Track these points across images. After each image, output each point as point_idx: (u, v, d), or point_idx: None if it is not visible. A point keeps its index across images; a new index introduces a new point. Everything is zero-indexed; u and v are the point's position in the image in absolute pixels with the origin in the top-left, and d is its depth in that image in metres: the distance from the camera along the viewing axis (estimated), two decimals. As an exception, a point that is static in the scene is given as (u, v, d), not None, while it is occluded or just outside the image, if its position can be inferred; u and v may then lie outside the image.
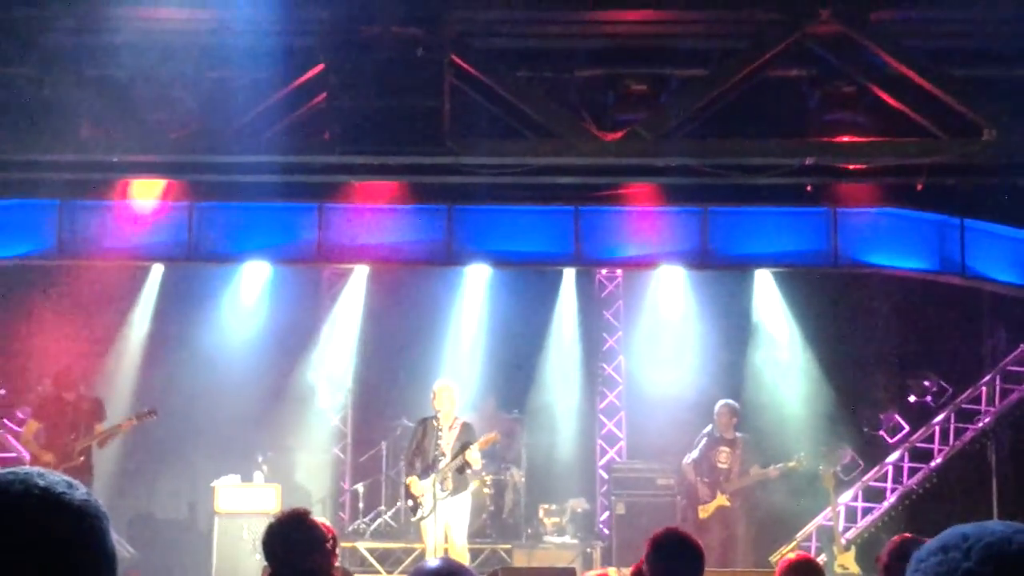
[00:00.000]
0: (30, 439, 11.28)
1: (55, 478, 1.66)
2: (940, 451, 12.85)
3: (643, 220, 12.06)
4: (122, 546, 13.26)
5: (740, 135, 10.19)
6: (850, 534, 12.52)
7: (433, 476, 10.80)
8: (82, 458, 11.17)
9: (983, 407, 12.78)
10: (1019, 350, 12.80)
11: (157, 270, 13.07)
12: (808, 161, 10.11)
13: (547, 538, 13.14)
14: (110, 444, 11.90)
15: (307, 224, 12.12)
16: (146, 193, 11.73)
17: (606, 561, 12.41)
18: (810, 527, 12.72)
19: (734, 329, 13.76)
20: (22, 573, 1.58)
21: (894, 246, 11.92)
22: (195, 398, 13.51)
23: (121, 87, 9.81)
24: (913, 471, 12.87)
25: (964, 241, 11.57)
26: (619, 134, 9.89)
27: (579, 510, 13.38)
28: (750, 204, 11.83)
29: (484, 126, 10.25)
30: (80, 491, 1.66)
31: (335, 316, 14.49)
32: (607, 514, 13.61)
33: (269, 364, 13.71)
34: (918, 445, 12.91)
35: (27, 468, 1.67)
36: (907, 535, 5.33)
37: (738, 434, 12.28)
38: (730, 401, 12.39)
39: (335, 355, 14.53)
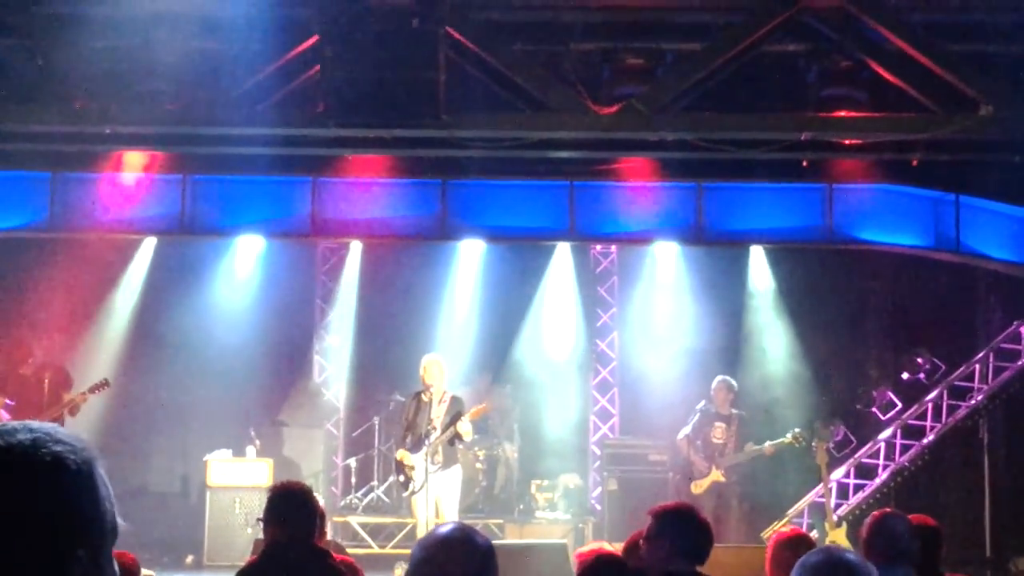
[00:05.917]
0: None
1: (34, 434, 1.59)
2: (932, 428, 12.84)
3: (638, 195, 12.02)
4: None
5: (736, 110, 10.13)
6: (842, 511, 12.52)
7: (424, 449, 10.79)
8: None
9: (976, 384, 12.76)
10: (1012, 328, 12.78)
11: (150, 243, 12.98)
12: (804, 136, 10.07)
13: (539, 513, 13.15)
14: (103, 417, 11.82)
15: (301, 198, 12.06)
16: (139, 165, 11.66)
17: (598, 536, 12.39)
18: (802, 503, 12.73)
19: (728, 305, 13.74)
20: None
21: (889, 222, 11.90)
22: (187, 372, 13.48)
23: (115, 57, 9.72)
24: (905, 448, 12.87)
25: (959, 218, 11.56)
26: (615, 108, 9.84)
27: (571, 486, 13.38)
28: (745, 180, 11.79)
29: (479, 99, 10.18)
30: (55, 446, 1.59)
31: (328, 291, 14.47)
32: (599, 490, 13.62)
33: (262, 338, 13.66)
34: (910, 422, 12.91)
35: (15, 423, 1.60)
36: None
37: (734, 410, 12.29)
38: (727, 377, 12.40)
39: (328, 330, 14.52)
